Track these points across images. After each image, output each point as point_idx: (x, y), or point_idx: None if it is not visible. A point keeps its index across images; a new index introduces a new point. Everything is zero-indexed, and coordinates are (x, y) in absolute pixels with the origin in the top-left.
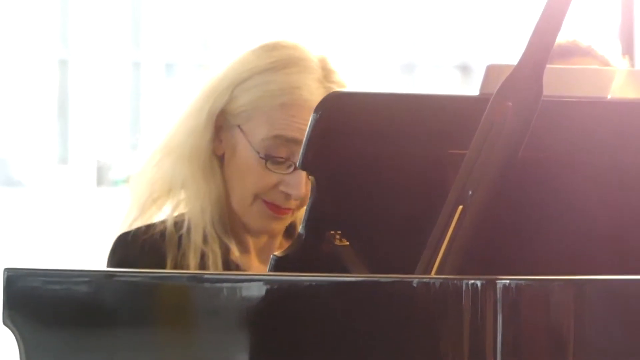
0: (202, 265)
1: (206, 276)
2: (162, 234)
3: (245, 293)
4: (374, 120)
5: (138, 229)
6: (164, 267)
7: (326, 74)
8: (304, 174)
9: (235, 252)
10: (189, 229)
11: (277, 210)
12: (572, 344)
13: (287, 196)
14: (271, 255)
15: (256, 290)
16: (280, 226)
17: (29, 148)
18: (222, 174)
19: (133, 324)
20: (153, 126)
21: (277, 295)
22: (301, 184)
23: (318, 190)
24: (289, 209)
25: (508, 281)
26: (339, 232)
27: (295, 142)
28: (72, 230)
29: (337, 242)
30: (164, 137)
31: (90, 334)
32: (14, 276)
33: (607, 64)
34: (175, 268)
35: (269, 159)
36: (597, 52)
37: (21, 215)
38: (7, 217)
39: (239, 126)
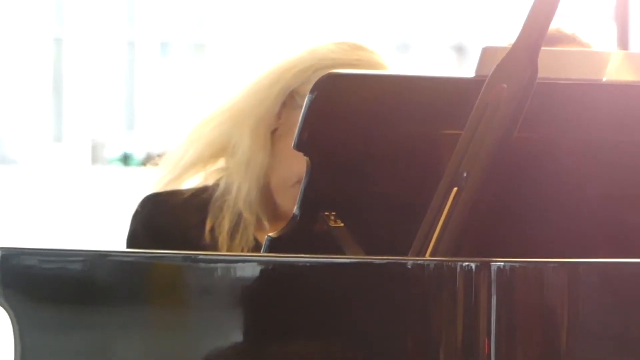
0: (235, 231)
1: (200, 256)
2: (202, 197)
3: (239, 273)
4: (369, 101)
5: (171, 192)
6: (198, 229)
7: (383, 61)
8: None
9: (267, 227)
10: (230, 194)
11: None
12: (566, 326)
13: None
14: (265, 236)
15: (250, 271)
16: None
17: (24, 126)
18: (271, 149)
19: (127, 304)
20: (148, 104)
21: (271, 275)
22: None
23: (313, 171)
24: None
25: (502, 263)
26: (334, 213)
27: None
28: (67, 208)
29: (332, 223)
30: (227, 102)
31: (84, 313)
32: (8, 255)
33: None
34: (211, 231)
35: None
36: (582, 40)
37: (16, 193)
38: (2, 195)
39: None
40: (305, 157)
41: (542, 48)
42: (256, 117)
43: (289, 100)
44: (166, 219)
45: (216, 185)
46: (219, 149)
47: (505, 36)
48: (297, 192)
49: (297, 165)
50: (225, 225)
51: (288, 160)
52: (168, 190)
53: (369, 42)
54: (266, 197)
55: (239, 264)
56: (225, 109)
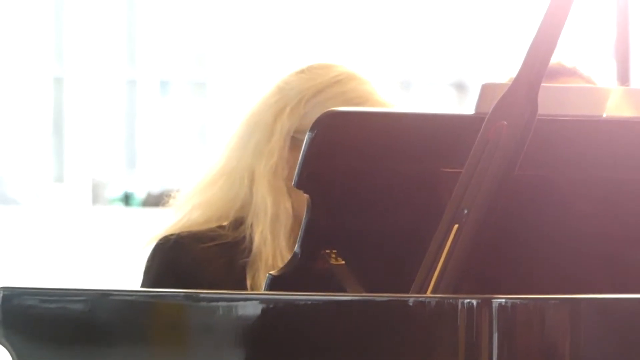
0: None
1: (202, 295)
2: (240, 248)
3: (241, 312)
4: (369, 139)
5: (189, 234)
6: (230, 274)
7: (380, 83)
8: None
9: None
10: (262, 253)
11: None
12: None
13: None
14: (267, 275)
15: (252, 309)
16: None
17: (24, 166)
18: (290, 196)
19: (129, 343)
20: (149, 143)
21: (273, 314)
22: None
23: (313, 209)
24: None
25: (504, 300)
26: (335, 250)
27: None
28: (68, 249)
29: (333, 261)
30: (223, 162)
31: (86, 353)
32: (9, 295)
33: (592, 84)
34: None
35: None
36: (583, 73)
37: (17, 233)
38: (3, 236)
39: None
40: (305, 195)
41: (542, 84)
42: (270, 171)
43: (291, 141)
44: (189, 262)
45: (236, 228)
46: (236, 209)
47: (505, 73)
48: None
49: None
50: (262, 280)
51: None
52: (185, 232)
53: (331, 58)
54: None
55: (241, 303)
56: (227, 167)
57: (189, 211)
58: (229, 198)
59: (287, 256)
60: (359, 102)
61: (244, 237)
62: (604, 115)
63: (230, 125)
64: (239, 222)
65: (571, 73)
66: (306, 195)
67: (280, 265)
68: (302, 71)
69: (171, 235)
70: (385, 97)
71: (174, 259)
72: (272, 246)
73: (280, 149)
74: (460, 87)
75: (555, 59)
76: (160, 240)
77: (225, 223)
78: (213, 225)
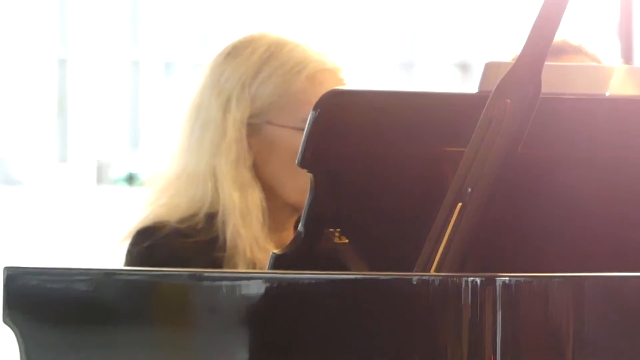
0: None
1: (205, 274)
2: (214, 246)
3: (244, 291)
4: (373, 118)
5: (161, 224)
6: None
7: (308, 44)
8: None
9: (272, 249)
10: (236, 247)
11: None
12: (572, 341)
13: None
14: (270, 253)
15: (255, 288)
16: None
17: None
18: (259, 180)
19: (133, 322)
20: (152, 124)
21: (276, 293)
22: None
23: (317, 188)
24: None
25: (507, 278)
26: (338, 229)
27: None
28: (72, 229)
29: (336, 240)
30: (177, 165)
31: (90, 332)
32: (13, 275)
33: (598, 61)
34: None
35: None
36: (588, 51)
37: (21, 214)
38: (7, 216)
39: (268, 122)
40: (309, 174)
41: (546, 63)
42: (232, 167)
43: (247, 128)
44: (165, 254)
45: (210, 224)
46: (206, 207)
47: (509, 52)
48: None
49: (301, 173)
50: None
51: (293, 173)
52: (157, 223)
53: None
54: (276, 216)
55: (244, 282)
56: (183, 170)
57: (154, 209)
58: (196, 199)
59: (265, 245)
60: (301, 68)
61: (218, 234)
62: (608, 93)
63: (175, 123)
64: (211, 219)
65: (576, 51)
66: (310, 175)
67: (259, 255)
68: (229, 54)
69: (150, 227)
70: (321, 55)
71: (150, 256)
72: (246, 238)
73: (237, 142)
74: (463, 67)
75: (560, 37)
76: (140, 231)
77: (197, 220)
78: (189, 221)
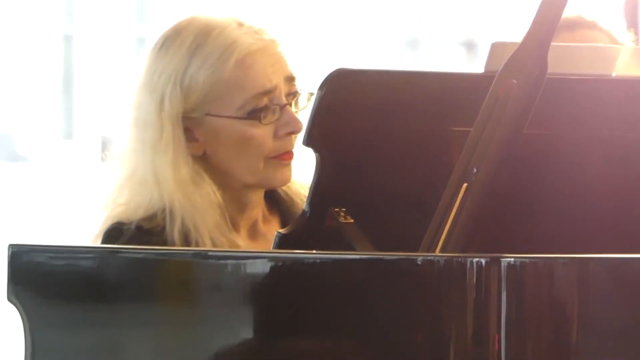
0: None
1: (210, 253)
2: (166, 242)
3: (249, 270)
4: (378, 98)
5: (138, 227)
6: None
7: (239, 22)
8: (289, 106)
9: (241, 244)
10: (197, 242)
11: (287, 156)
12: (576, 321)
13: (289, 135)
14: (275, 232)
15: (260, 267)
16: (291, 172)
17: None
18: (208, 171)
19: (137, 300)
20: None
21: (281, 272)
22: (295, 116)
23: (322, 167)
24: (292, 149)
25: (512, 259)
26: (344, 209)
27: (270, 90)
28: (77, 206)
29: (342, 219)
30: (128, 168)
31: (94, 310)
32: (18, 252)
33: (612, 37)
34: None
35: (258, 114)
36: (602, 26)
37: (26, 190)
38: (12, 192)
39: (208, 114)
40: (315, 154)
41: (557, 37)
42: (172, 167)
43: (187, 124)
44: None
45: (170, 223)
46: (159, 206)
47: (515, 33)
48: (274, 165)
49: (255, 152)
50: None
51: (243, 158)
52: (137, 227)
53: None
54: (227, 204)
55: (249, 261)
56: (133, 172)
57: (114, 208)
58: (148, 199)
59: (228, 232)
60: (228, 55)
61: (170, 234)
62: (614, 74)
63: (123, 124)
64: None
65: (591, 26)
66: (316, 154)
67: (223, 246)
68: (160, 49)
69: (117, 227)
70: (249, 34)
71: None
72: (204, 232)
73: (174, 140)
74: (469, 46)
75: (575, 12)
76: (107, 232)
77: (159, 219)
78: (150, 221)
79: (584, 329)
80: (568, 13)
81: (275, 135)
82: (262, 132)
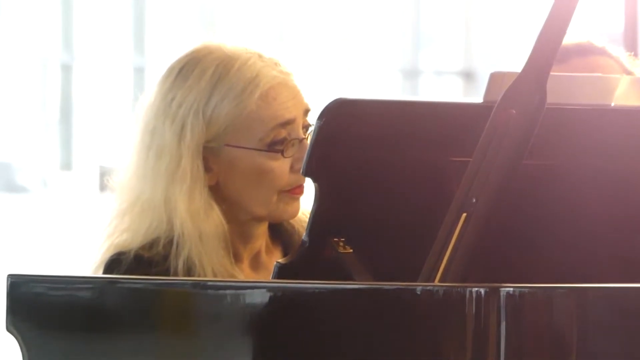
0: None
1: (210, 283)
2: (168, 270)
3: (248, 300)
4: (378, 127)
5: (137, 258)
6: None
7: (258, 55)
8: (306, 140)
9: (239, 275)
10: (199, 275)
11: (299, 190)
12: (575, 351)
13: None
14: (275, 262)
15: (259, 297)
16: (300, 206)
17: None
18: (218, 201)
19: (136, 331)
20: None
21: (280, 302)
22: None
23: (321, 197)
24: (304, 181)
25: (511, 289)
26: (343, 239)
27: (289, 122)
28: (76, 236)
29: (341, 249)
30: (136, 193)
31: (93, 341)
32: (17, 282)
33: (621, 64)
34: None
35: (279, 147)
36: (612, 53)
37: (25, 221)
38: (11, 223)
39: (227, 144)
40: (314, 183)
41: (551, 73)
42: (187, 197)
43: (205, 152)
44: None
45: (169, 246)
46: (165, 234)
47: (514, 63)
48: (285, 199)
49: (269, 184)
50: None
51: (257, 189)
52: (122, 252)
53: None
54: (230, 235)
55: (248, 291)
56: (146, 196)
57: (117, 236)
58: (153, 227)
59: (230, 268)
60: (252, 88)
61: (174, 262)
62: (613, 104)
63: (130, 146)
64: (170, 247)
65: (601, 52)
66: (315, 184)
67: (225, 277)
68: (177, 77)
69: (117, 258)
70: (270, 67)
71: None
72: (208, 263)
73: (192, 169)
74: (468, 76)
75: (584, 39)
76: (108, 263)
77: (159, 249)
78: (150, 250)
79: (582, 358)
80: (577, 39)
81: (292, 169)
82: (280, 165)
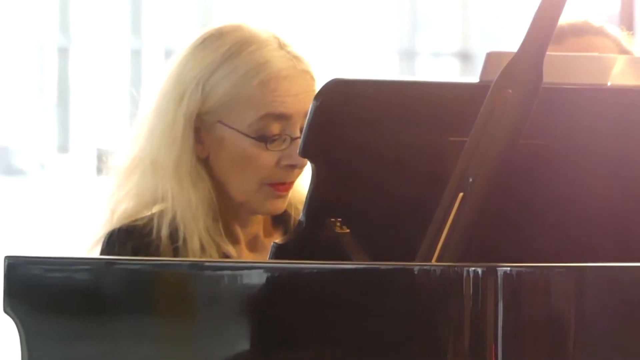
0: None
1: (207, 264)
2: (156, 244)
3: (245, 280)
4: (374, 108)
5: (128, 230)
6: None
7: (281, 43)
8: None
9: (231, 251)
10: (184, 240)
11: (283, 187)
12: (573, 331)
13: (291, 168)
14: (272, 243)
15: (257, 278)
16: (284, 204)
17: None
18: (209, 175)
19: (134, 312)
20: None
21: (277, 282)
22: None
23: (318, 178)
24: (292, 182)
25: (509, 268)
26: (340, 219)
27: (283, 116)
28: (73, 218)
29: (338, 230)
30: (136, 152)
31: (90, 322)
32: (14, 264)
33: (619, 44)
34: None
35: (266, 140)
36: (610, 32)
37: (22, 203)
38: (8, 206)
39: (219, 121)
40: (311, 164)
41: (550, 52)
42: (175, 159)
43: (198, 123)
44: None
45: (160, 218)
46: (151, 200)
47: (511, 43)
48: (267, 192)
49: (252, 172)
50: None
51: (240, 173)
52: (128, 228)
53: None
54: (224, 214)
55: (246, 271)
56: (138, 160)
57: (117, 206)
58: (149, 190)
59: (218, 238)
60: (255, 73)
61: (157, 227)
62: (609, 83)
63: (141, 108)
64: (162, 214)
65: (598, 32)
66: (312, 165)
67: (212, 245)
68: (199, 45)
69: (113, 230)
70: (285, 60)
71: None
72: (193, 231)
73: (183, 136)
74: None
75: (582, 18)
76: (106, 235)
77: (151, 216)
78: (145, 215)
79: (580, 338)
80: (574, 18)
81: (277, 164)
82: (265, 156)
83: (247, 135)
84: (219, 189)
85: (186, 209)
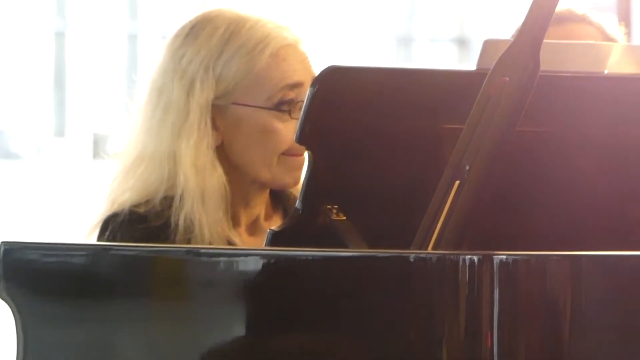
0: None
1: (203, 250)
2: (166, 232)
3: (242, 267)
4: (371, 95)
5: (131, 218)
6: None
7: (266, 18)
8: None
9: (236, 240)
10: (192, 232)
11: (302, 157)
12: (569, 318)
13: None
14: (268, 230)
15: (253, 264)
16: (300, 174)
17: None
18: (221, 163)
19: (130, 298)
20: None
21: (273, 269)
22: None
23: (315, 164)
24: None
25: (505, 256)
26: (336, 206)
27: (298, 84)
28: (69, 203)
29: (334, 217)
30: (140, 146)
31: (87, 307)
32: (10, 249)
33: (603, 31)
34: None
35: (286, 107)
36: (593, 20)
37: (18, 187)
38: (4, 190)
39: (234, 102)
40: (307, 151)
41: (545, 40)
42: (192, 150)
43: (212, 110)
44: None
45: (169, 207)
46: (154, 192)
47: (508, 30)
48: (287, 163)
49: (273, 144)
50: None
51: (260, 150)
52: (117, 210)
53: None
54: (231, 199)
55: (242, 258)
56: (151, 151)
57: (119, 194)
58: (156, 182)
59: (227, 229)
60: (263, 46)
61: (170, 218)
62: (606, 71)
63: (135, 106)
64: (166, 203)
65: (580, 19)
66: (309, 151)
67: (220, 237)
68: (188, 35)
69: (110, 215)
70: (283, 30)
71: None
72: (205, 222)
73: (200, 124)
74: (461, 43)
75: (565, 6)
76: (104, 220)
77: (153, 204)
78: (146, 205)
79: (576, 325)
80: (559, 7)
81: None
82: (285, 127)
83: (267, 109)
84: (232, 174)
85: (199, 201)
